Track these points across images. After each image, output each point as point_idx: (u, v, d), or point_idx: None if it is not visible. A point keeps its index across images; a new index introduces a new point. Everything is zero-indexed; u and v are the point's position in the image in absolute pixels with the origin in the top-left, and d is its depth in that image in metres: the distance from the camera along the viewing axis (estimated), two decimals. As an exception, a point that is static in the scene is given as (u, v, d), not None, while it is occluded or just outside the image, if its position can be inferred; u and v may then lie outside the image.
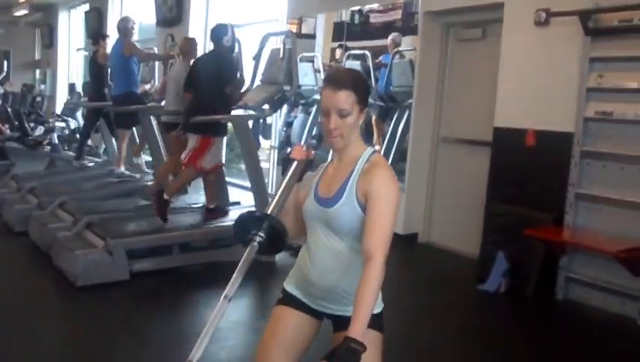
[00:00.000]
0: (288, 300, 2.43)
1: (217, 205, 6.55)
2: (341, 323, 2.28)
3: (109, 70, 8.74)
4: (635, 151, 4.77)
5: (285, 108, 9.25)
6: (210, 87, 6.14)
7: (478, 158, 6.14)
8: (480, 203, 5.95)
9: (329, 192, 2.29)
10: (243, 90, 6.43)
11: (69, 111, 12.22)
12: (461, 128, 6.61)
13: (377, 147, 7.97)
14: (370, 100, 7.84)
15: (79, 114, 11.89)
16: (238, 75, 6.54)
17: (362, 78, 2.40)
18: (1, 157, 11.16)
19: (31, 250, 6.48)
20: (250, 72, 6.65)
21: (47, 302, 5.33)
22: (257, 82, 6.55)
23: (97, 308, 5.10)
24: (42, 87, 17.86)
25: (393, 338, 4.30)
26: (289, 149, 2.42)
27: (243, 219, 2.21)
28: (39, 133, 11.84)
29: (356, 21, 9.03)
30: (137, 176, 8.71)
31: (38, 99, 14.66)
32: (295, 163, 2.33)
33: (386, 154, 7.52)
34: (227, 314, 4.78)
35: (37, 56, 19.40)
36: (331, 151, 2.44)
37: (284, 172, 2.36)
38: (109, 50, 8.94)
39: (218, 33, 6.34)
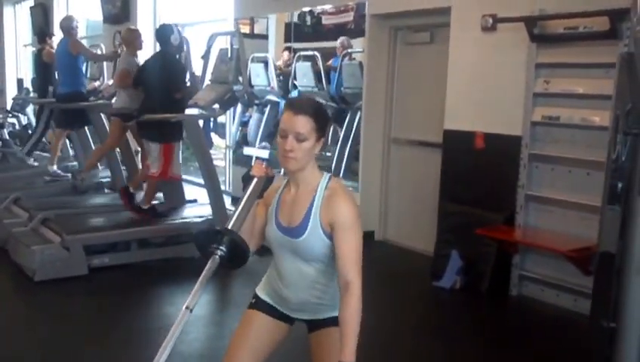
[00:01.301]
0: (260, 306, 2.54)
1: (152, 206, 6.61)
2: (315, 325, 2.48)
3: (55, 69, 8.68)
4: (582, 155, 4.91)
5: (240, 107, 9.33)
6: (160, 89, 6.20)
7: (430, 159, 6.29)
8: (433, 202, 6.10)
9: (292, 221, 2.36)
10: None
11: (19, 106, 12.06)
12: (412, 130, 6.74)
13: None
14: (323, 101, 8.05)
15: (29, 109, 11.75)
16: (188, 74, 6.61)
17: (323, 109, 2.44)
18: None
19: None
20: (200, 72, 6.73)
21: (6, 296, 5.37)
22: (207, 82, 6.62)
23: (56, 302, 5.14)
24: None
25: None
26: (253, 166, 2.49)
27: (205, 233, 2.29)
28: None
29: (308, 22, 9.13)
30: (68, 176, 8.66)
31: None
32: (255, 180, 2.39)
33: (340, 155, 7.67)
34: (172, 312, 4.81)
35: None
36: (283, 176, 2.52)
37: (244, 188, 2.42)
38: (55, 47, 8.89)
39: (165, 33, 6.40)
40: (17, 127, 12.19)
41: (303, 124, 2.28)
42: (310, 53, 8.26)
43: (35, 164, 9.60)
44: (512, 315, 5.27)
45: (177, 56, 6.55)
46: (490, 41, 5.49)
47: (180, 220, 6.41)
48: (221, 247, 2.19)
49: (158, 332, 4.50)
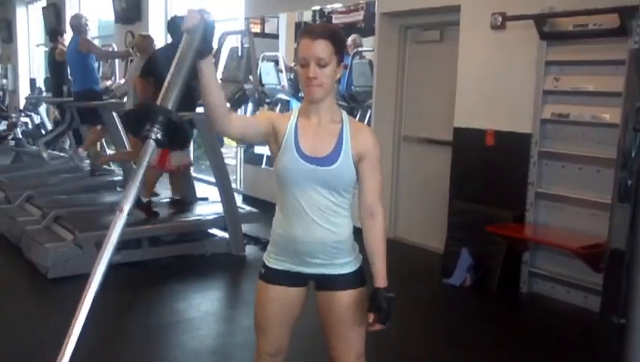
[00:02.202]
0: (271, 276, 2.49)
1: (182, 197, 6.63)
2: (325, 282, 2.47)
3: (68, 67, 8.74)
4: (592, 153, 4.91)
5: (250, 106, 9.36)
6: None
7: (440, 157, 6.31)
8: (443, 200, 6.11)
9: (320, 151, 2.34)
10: None
11: (32, 106, 12.16)
12: (422, 128, 6.75)
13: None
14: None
15: (42, 109, 11.84)
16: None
17: (339, 31, 2.42)
18: None
19: (1, 243, 6.56)
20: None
21: (20, 293, 5.41)
22: (219, 80, 6.64)
23: (69, 299, 4.97)
24: (4, 81, 17.68)
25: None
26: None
27: (135, 112, 2.05)
28: (3, 128, 11.77)
29: (318, 21, 9.14)
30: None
31: (0, 93, 14.55)
32: (188, 36, 2.01)
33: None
34: (198, 304, 4.93)
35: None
36: (295, 108, 2.45)
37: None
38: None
39: (175, 25, 6.30)
40: (30, 126, 12.31)
41: (323, 48, 2.25)
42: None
43: (45, 155, 9.61)
44: (522, 312, 5.28)
45: None
46: (499, 39, 5.50)
47: (192, 218, 6.44)
48: (155, 129, 1.91)
49: (170, 328, 4.60)
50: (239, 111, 8.46)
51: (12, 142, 11.08)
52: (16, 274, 5.81)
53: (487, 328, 4.82)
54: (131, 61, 8.15)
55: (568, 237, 5.03)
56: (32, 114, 12.16)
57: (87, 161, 8.65)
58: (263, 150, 9.00)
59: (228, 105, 5.94)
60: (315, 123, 2.38)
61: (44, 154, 9.44)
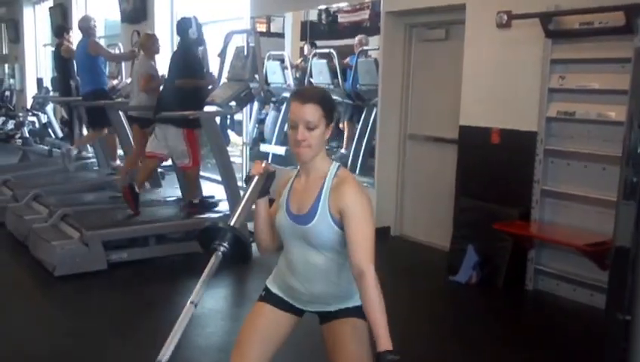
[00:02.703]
0: (270, 298, 2.56)
1: (201, 199, 6.70)
2: (326, 317, 2.50)
3: (75, 67, 8.77)
4: (598, 150, 4.91)
5: (256, 105, 9.40)
6: (181, 83, 6.28)
7: (446, 155, 6.31)
8: (449, 197, 6.13)
9: (301, 209, 2.39)
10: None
11: (39, 105, 12.21)
12: (428, 126, 6.75)
13: (343, 150, 8.21)
14: (339, 98, 8.10)
15: (49, 108, 11.88)
16: (206, 70, 6.67)
17: (329, 95, 2.45)
18: None
19: (8, 241, 6.62)
20: (216, 70, 6.79)
21: (27, 291, 5.46)
22: (223, 79, 6.68)
23: (76, 297, 5.23)
24: (11, 81, 17.79)
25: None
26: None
27: (208, 230, 2.39)
28: (10, 127, 11.82)
29: (324, 21, 9.15)
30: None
31: (7, 93, 14.62)
32: (256, 178, 2.42)
33: (356, 151, 7.70)
34: (205, 302, 4.97)
35: (4, 51, 19.29)
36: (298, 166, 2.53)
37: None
38: (73, 43, 8.99)
39: (183, 26, 6.46)
40: (37, 125, 12.35)
41: (312, 112, 2.31)
42: (326, 50, 8.29)
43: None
44: (528, 309, 5.29)
45: (200, 48, 6.60)
46: (505, 38, 5.50)
47: (198, 216, 6.45)
48: (224, 244, 2.25)
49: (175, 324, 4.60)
50: (244, 109, 8.50)
51: (19, 141, 11.13)
52: (23, 271, 5.85)
53: (493, 325, 4.83)
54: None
55: (574, 235, 5.04)
56: (39, 113, 12.20)
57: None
58: (269, 148, 9.04)
59: (233, 103, 6.02)
60: (303, 181, 2.45)
61: (72, 151, 9.43)
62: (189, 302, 2.20)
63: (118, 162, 8.66)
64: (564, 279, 5.24)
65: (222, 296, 5.39)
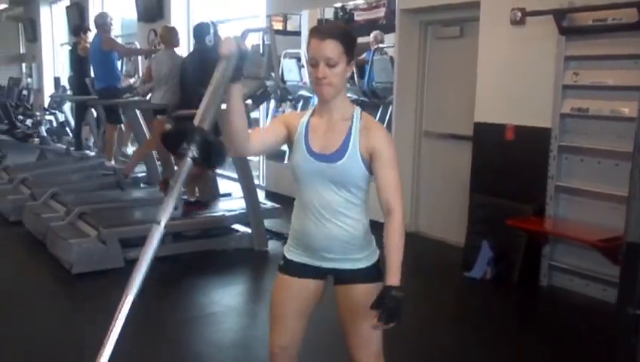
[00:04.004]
0: (290, 268, 2.54)
1: (198, 199, 6.70)
2: (342, 277, 2.50)
3: (90, 64, 8.83)
4: (611, 147, 4.90)
5: (273, 103, 9.42)
6: (197, 86, 6.29)
7: (461, 152, 6.31)
8: (464, 194, 6.13)
9: (327, 148, 2.37)
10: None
11: (56, 104, 12.31)
12: (443, 123, 6.75)
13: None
14: (354, 96, 8.12)
15: (66, 107, 11.98)
16: None
17: (348, 30, 2.44)
18: None
19: (26, 239, 6.66)
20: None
21: (45, 289, 5.50)
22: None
23: (93, 294, 5.26)
24: (29, 80, 17.93)
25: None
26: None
27: (173, 133, 2.15)
28: (28, 126, 11.92)
29: (340, 18, 9.16)
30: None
31: (25, 92, 14.75)
32: (223, 62, 2.13)
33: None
34: (221, 299, 4.97)
35: (22, 50, 19.48)
36: (310, 106, 2.52)
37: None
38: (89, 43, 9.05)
39: (200, 32, 6.50)
40: (54, 124, 12.45)
41: (332, 48, 2.28)
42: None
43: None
44: (542, 305, 5.30)
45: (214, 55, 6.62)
46: (519, 35, 5.50)
47: (214, 214, 6.49)
48: (192, 148, 2.01)
49: (193, 322, 4.67)
50: (261, 107, 8.56)
51: (37, 140, 11.23)
52: (40, 269, 5.89)
53: (508, 321, 4.85)
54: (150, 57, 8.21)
55: (587, 231, 5.04)
56: (57, 112, 12.29)
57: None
58: (286, 146, 9.04)
59: (249, 101, 6.08)
60: (325, 121, 2.42)
61: (79, 154, 9.47)
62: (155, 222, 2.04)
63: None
64: (578, 274, 5.24)
65: (238, 292, 5.44)
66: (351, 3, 8.10)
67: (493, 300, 5.30)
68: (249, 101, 6.12)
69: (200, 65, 6.35)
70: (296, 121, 2.47)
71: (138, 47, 9.49)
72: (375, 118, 7.34)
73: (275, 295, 2.60)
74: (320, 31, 2.34)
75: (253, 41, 6.88)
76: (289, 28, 9.47)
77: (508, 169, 5.71)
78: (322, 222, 2.42)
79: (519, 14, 5.40)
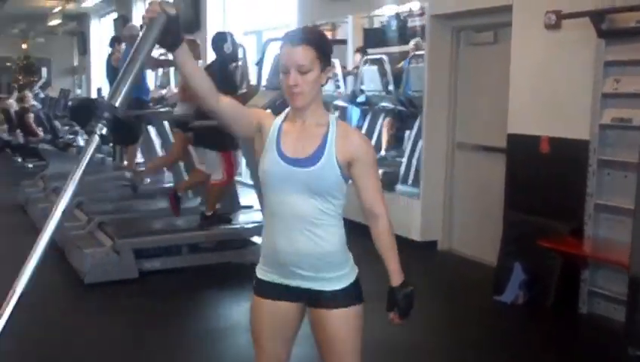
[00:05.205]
0: (262, 289, 2.39)
1: (214, 212, 6.50)
2: (316, 299, 2.33)
3: None
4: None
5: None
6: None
7: (496, 165, 6.00)
8: (499, 210, 5.82)
9: (300, 153, 2.26)
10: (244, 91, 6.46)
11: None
12: (477, 134, 6.48)
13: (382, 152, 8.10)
14: (390, 105, 7.86)
15: (107, 117, 12.08)
16: (243, 79, 6.58)
17: (322, 34, 2.38)
18: (37, 158, 11.62)
19: (50, 247, 6.58)
20: (255, 78, 6.70)
21: (56, 298, 5.44)
22: (262, 88, 6.61)
23: (104, 305, 5.22)
24: (78, 91, 18.34)
25: (404, 349, 4.31)
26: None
27: (81, 107, 1.97)
28: (70, 136, 12.09)
29: (393, 27, 8.94)
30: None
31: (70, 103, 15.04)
32: (145, 27, 1.92)
33: (409, 160, 7.39)
34: (236, 313, 4.83)
35: (75, 63, 19.99)
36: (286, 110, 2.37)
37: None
38: None
39: (218, 42, 6.43)
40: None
41: (304, 54, 2.19)
42: (377, 56, 8.09)
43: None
44: (582, 334, 4.90)
45: (233, 65, 6.52)
46: (554, 39, 5.20)
47: (232, 226, 6.34)
48: (100, 125, 1.80)
49: (206, 336, 4.61)
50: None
51: (75, 150, 11.36)
52: (56, 278, 5.83)
53: (542, 351, 4.48)
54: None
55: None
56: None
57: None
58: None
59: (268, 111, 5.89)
60: (299, 125, 2.31)
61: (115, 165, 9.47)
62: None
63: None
64: (623, 302, 4.73)
65: (247, 308, 5.20)
66: (404, 9, 7.82)
67: (525, 327, 4.96)
68: (268, 111, 5.94)
69: (219, 74, 6.25)
70: (269, 123, 2.35)
71: (170, 57, 9.45)
72: (413, 128, 7.20)
73: (251, 319, 2.45)
74: (291, 36, 2.26)
75: (275, 51, 6.73)
76: (339, 36, 9.32)
77: (543, 184, 5.37)
78: (293, 234, 2.27)
79: (554, 17, 5.09)
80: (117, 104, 1.82)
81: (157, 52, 9.87)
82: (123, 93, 1.84)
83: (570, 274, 5.04)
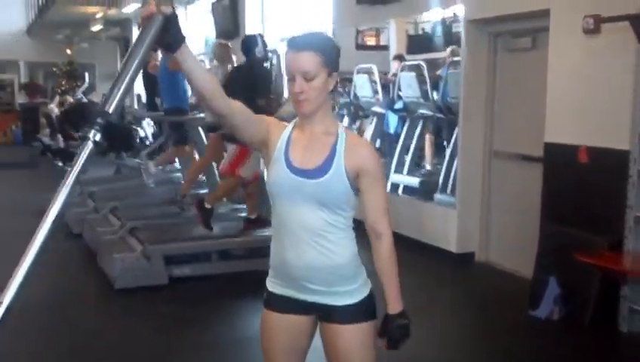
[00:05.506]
0: (273, 302, 2.33)
1: (258, 215, 6.49)
2: (328, 314, 2.26)
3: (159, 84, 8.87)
4: None
5: (346, 120, 9.17)
6: (244, 98, 6.14)
7: (535, 174, 5.83)
8: (536, 222, 5.65)
9: (309, 163, 2.19)
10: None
11: (135, 120, 12.50)
12: (515, 142, 6.31)
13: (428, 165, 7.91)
14: (429, 112, 7.74)
15: (145, 123, 12.12)
16: (273, 85, 6.54)
17: (328, 38, 2.28)
18: None
19: (83, 252, 6.76)
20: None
21: (86, 302, 5.52)
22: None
23: (133, 311, 5.21)
24: (121, 97, 18.42)
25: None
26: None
27: (73, 112, 1.90)
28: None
29: (438, 32, 8.86)
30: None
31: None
32: (141, 30, 1.86)
33: (448, 168, 7.27)
34: (247, 327, 4.79)
35: (119, 68, 20.21)
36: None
37: None
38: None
39: (248, 45, 6.42)
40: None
41: (309, 60, 2.12)
42: (415, 62, 7.98)
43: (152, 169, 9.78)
44: (621, 354, 4.69)
45: (264, 65, 6.48)
46: (593, 45, 5.01)
47: (262, 233, 6.26)
48: (94, 131, 1.74)
49: (234, 343, 4.58)
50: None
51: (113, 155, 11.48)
52: (88, 283, 5.92)
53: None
54: None
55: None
56: (137, 128, 12.48)
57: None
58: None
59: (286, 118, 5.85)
60: (307, 135, 2.25)
61: (152, 169, 9.54)
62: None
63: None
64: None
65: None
66: (450, 14, 7.72)
67: (560, 343, 4.77)
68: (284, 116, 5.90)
69: (248, 79, 6.24)
70: (278, 132, 2.28)
71: (207, 63, 9.47)
72: (452, 135, 7.07)
73: (260, 332, 2.39)
74: (296, 42, 2.16)
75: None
76: (382, 42, 9.29)
77: (581, 195, 5.18)
78: (302, 247, 2.20)
79: (592, 22, 4.89)
80: (110, 110, 1.77)
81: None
82: (117, 98, 1.79)
83: (609, 290, 4.84)
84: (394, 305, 2.22)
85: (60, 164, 13.27)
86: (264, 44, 6.40)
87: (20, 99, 20.85)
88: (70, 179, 1.73)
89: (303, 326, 2.31)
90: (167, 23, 1.85)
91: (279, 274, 2.30)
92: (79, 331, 4.72)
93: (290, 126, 2.29)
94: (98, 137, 1.74)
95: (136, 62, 1.82)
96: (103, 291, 5.57)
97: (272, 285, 2.33)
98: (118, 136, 2.06)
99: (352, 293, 2.23)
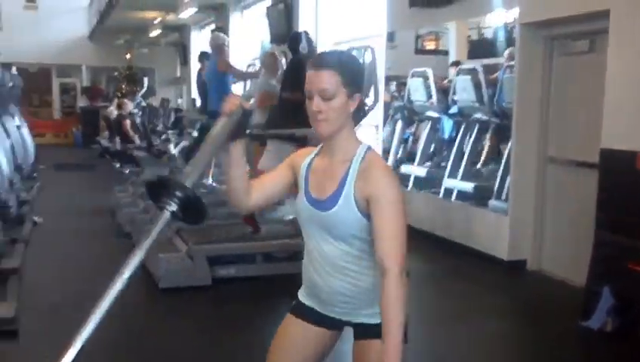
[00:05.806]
0: (299, 310, 2.31)
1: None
2: (357, 331, 2.20)
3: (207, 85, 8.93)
4: None
5: (400, 124, 9.04)
6: (291, 91, 6.16)
7: (590, 180, 5.62)
8: (591, 230, 5.39)
9: (322, 193, 2.13)
10: None
11: (189, 124, 12.65)
12: (571, 148, 6.12)
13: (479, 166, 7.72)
14: (485, 117, 7.57)
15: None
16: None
17: (351, 58, 2.20)
18: (133, 163, 11.99)
19: (132, 250, 6.73)
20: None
21: (131, 300, 5.39)
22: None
23: (176, 310, 5.25)
24: (179, 101, 18.79)
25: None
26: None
27: (156, 185, 2.04)
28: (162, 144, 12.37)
29: (501, 37, 8.67)
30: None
31: (161, 111, 15.49)
32: (223, 119, 2.05)
33: (504, 174, 7.07)
34: (273, 326, 4.68)
35: (177, 74, 20.55)
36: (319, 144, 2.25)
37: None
38: None
39: (292, 42, 6.54)
40: (187, 143, 12.76)
41: (327, 79, 2.04)
42: (471, 66, 7.83)
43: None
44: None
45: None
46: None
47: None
48: (172, 202, 1.92)
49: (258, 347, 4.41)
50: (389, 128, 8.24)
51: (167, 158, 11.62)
52: (134, 281, 5.84)
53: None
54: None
55: None
56: (191, 132, 12.61)
57: None
58: (411, 169, 8.63)
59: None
60: (327, 162, 2.18)
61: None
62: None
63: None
64: None
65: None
66: (509, 16, 7.52)
67: (612, 357, 4.59)
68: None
69: (291, 74, 6.27)
70: (300, 162, 2.26)
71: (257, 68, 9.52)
72: (508, 140, 6.89)
73: (275, 336, 2.35)
74: (316, 60, 2.11)
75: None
76: (442, 47, 9.15)
77: (637, 203, 4.94)
78: (324, 274, 2.17)
79: (655, 23, 4.68)
80: (189, 185, 1.94)
81: (244, 66, 10.03)
82: (196, 175, 1.98)
83: (666, 302, 4.61)
84: (392, 357, 1.92)
85: (117, 165, 13.53)
86: (309, 41, 6.42)
87: (82, 102, 21.39)
88: (147, 243, 1.91)
89: (319, 336, 2.28)
90: (243, 117, 2.06)
91: (309, 292, 2.27)
92: (124, 329, 4.67)
93: (314, 152, 2.25)
94: (175, 208, 1.91)
95: (216, 146, 2.04)
96: (148, 290, 5.59)
97: (304, 297, 2.31)
98: (193, 209, 2.14)
99: (379, 315, 2.07)
